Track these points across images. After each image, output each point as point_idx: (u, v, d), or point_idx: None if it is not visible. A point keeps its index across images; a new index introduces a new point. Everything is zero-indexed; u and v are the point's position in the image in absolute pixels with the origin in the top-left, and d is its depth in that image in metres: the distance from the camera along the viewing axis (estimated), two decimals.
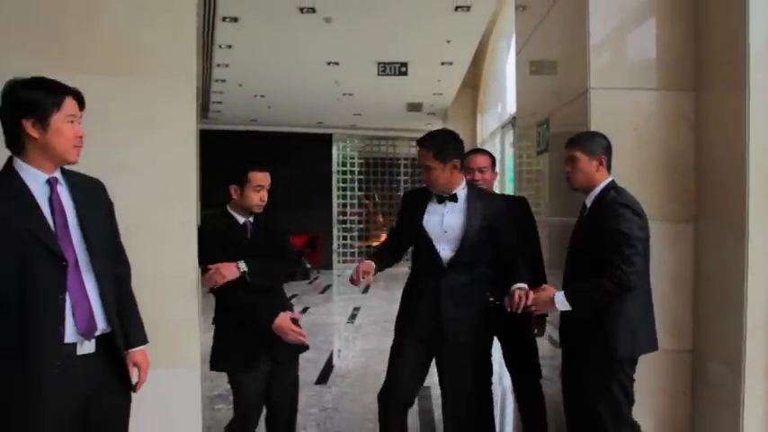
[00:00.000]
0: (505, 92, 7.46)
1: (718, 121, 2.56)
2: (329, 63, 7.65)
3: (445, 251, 2.58)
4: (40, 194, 1.65)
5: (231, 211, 2.53)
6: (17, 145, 1.64)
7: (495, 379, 3.07)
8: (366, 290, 9.18)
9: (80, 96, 1.71)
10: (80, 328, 1.65)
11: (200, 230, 2.45)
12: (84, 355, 1.67)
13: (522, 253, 2.65)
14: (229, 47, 6.80)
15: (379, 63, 7.50)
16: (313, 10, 5.65)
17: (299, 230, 10.77)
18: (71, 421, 1.66)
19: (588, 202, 2.40)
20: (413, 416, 3.81)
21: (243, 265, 2.37)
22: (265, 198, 2.52)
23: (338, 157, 13.86)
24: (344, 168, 13.92)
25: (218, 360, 2.54)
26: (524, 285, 2.46)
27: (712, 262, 2.58)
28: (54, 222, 1.64)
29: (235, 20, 5.80)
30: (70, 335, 1.63)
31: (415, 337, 2.64)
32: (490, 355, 2.79)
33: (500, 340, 3.00)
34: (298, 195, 10.35)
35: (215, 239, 2.44)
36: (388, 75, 7.57)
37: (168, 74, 2.35)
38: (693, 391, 2.67)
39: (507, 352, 3.04)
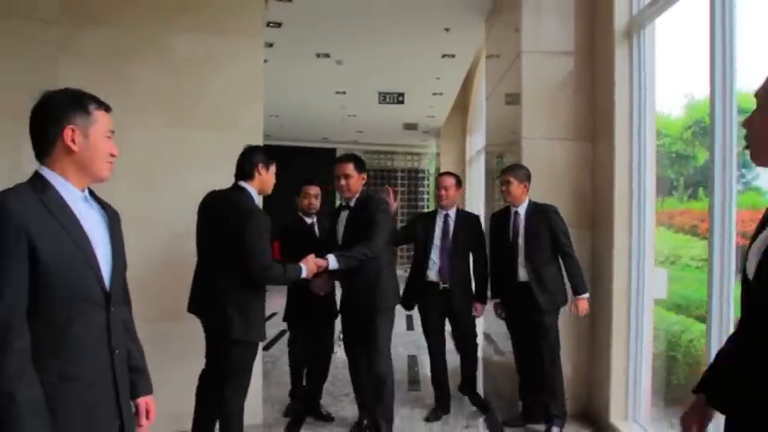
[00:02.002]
0: None
1: (602, 163, 3.87)
2: (337, 92, 8.94)
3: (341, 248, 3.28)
4: None
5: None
6: (249, 176, 2.88)
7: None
8: None
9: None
10: None
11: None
12: None
13: (362, 244, 3.21)
14: None
15: (380, 93, 8.80)
16: (328, 55, 6.96)
17: None
18: None
19: (521, 211, 3.67)
20: (401, 373, 5.14)
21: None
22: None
23: None
24: None
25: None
26: (332, 262, 3.06)
27: (599, 255, 3.88)
28: None
29: (264, 61, 7.06)
30: None
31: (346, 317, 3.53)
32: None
33: (449, 318, 4.09)
34: None
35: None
36: (387, 103, 8.88)
37: (245, 130, 3.65)
38: (590, 341, 3.96)
39: (455, 326, 4.14)
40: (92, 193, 1.58)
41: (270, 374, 5.02)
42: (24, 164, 3.29)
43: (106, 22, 3.49)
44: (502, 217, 3.82)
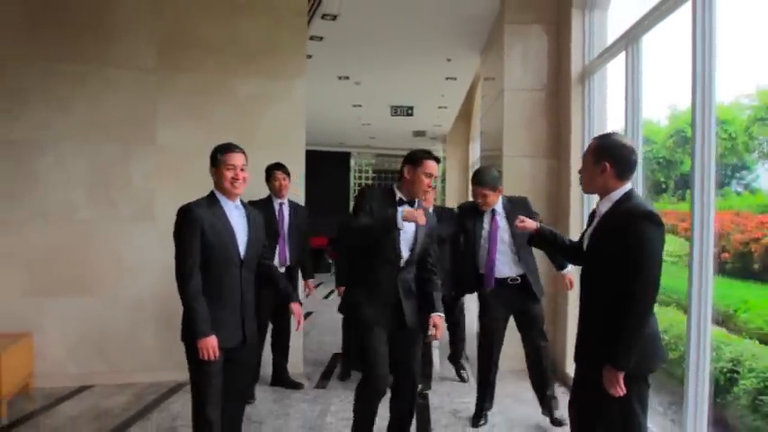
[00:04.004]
0: None
1: (562, 175, 5.03)
2: (354, 105, 10.14)
3: (404, 250, 2.93)
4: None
5: None
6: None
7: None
8: None
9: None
10: None
11: None
12: None
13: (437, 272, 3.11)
14: None
15: (391, 106, 10.01)
16: (347, 77, 8.16)
17: (322, 232, 13.04)
18: None
19: (498, 209, 3.76)
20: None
21: None
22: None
23: (355, 170, 16.34)
24: (360, 180, 16.40)
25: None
26: (442, 315, 2.97)
27: None
28: None
29: None
30: None
31: (383, 327, 2.91)
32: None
33: None
34: (320, 202, 12.64)
35: None
36: (398, 115, 10.10)
37: (293, 147, 4.88)
38: (553, 313, 5.11)
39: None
40: (242, 202, 2.75)
41: (305, 341, 6.23)
42: (134, 176, 4.54)
43: (191, 71, 4.70)
44: (474, 212, 3.84)
